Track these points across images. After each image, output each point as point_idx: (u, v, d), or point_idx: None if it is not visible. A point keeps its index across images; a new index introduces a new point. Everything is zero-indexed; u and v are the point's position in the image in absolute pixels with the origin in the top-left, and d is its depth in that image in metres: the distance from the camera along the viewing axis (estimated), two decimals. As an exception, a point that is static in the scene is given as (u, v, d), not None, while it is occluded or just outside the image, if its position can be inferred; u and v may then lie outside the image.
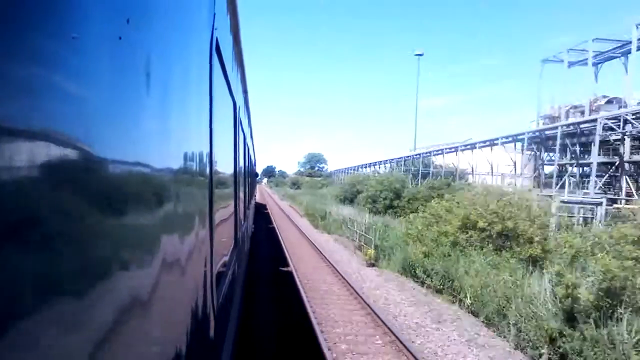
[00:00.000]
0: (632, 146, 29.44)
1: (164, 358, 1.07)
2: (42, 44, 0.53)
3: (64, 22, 0.58)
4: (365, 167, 66.72)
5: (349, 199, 40.48)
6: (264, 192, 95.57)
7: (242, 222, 5.69)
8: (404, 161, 51.27)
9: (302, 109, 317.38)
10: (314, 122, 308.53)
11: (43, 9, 0.53)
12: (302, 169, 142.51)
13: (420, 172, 45.11)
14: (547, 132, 36.13)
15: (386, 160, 59.70)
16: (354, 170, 72.05)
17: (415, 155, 50.82)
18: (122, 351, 0.76)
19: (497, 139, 36.21)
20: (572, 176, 33.15)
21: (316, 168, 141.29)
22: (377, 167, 60.45)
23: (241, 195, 5.32)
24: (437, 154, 46.55)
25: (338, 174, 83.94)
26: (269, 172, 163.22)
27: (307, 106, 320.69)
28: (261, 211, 39.09)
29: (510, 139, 36.26)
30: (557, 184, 31.98)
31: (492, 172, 36.95)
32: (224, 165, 2.82)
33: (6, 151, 0.46)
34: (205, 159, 1.74)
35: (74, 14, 0.61)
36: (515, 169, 36.04)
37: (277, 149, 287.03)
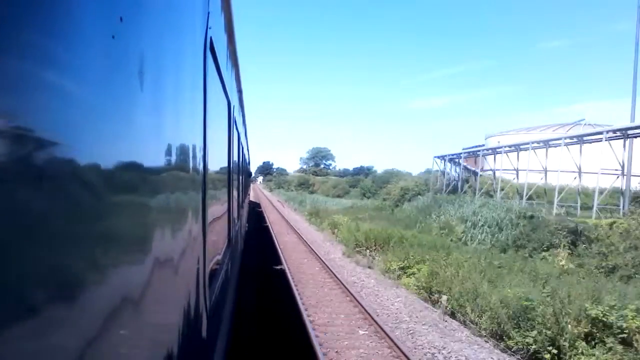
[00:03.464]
0: None
1: (155, 358, 1.07)
2: (34, 41, 0.53)
3: (56, 20, 0.58)
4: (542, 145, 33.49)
5: None
6: (261, 200, 55.50)
7: (236, 220, 5.68)
8: None
9: (302, 100, 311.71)
10: (315, 115, 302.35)
11: (35, 7, 0.53)
12: (304, 166, 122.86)
13: None
14: None
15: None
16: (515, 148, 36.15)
17: None
18: (112, 351, 0.76)
19: None
20: None
21: (322, 165, 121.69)
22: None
23: (235, 193, 5.31)
24: None
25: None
26: (266, 169, 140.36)
27: (307, 97, 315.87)
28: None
29: None
30: None
31: None
32: (218, 164, 2.82)
33: None
34: (199, 158, 1.74)
35: (67, 12, 0.61)
36: None
37: (274, 143, 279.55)
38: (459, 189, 40.99)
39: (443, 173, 48.83)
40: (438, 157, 51.50)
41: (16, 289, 0.49)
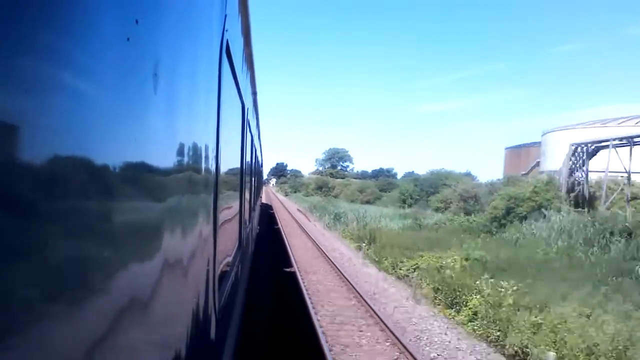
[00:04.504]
0: None
1: (163, 359, 1.07)
2: (51, 43, 0.53)
3: (73, 22, 0.58)
4: None
5: None
6: (275, 206, 42.61)
7: (247, 223, 5.69)
8: None
9: (314, 102, 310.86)
10: (327, 117, 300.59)
11: (51, 9, 0.53)
12: (321, 168, 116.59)
13: None
14: None
15: None
16: None
17: None
18: (122, 351, 0.76)
19: None
20: None
21: (339, 167, 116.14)
22: None
23: (247, 196, 5.32)
24: None
25: None
26: (279, 171, 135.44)
27: (320, 99, 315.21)
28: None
29: None
30: None
31: None
32: (230, 166, 2.82)
33: (13, 149, 0.46)
34: (211, 160, 1.74)
35: (83, 14, 0.61)
36: None
37: (288, 144, 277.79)
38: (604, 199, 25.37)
39: (585, 174, 28.09)
40: (580, 144, 28.97)
41: (26, 290, 0.49)
